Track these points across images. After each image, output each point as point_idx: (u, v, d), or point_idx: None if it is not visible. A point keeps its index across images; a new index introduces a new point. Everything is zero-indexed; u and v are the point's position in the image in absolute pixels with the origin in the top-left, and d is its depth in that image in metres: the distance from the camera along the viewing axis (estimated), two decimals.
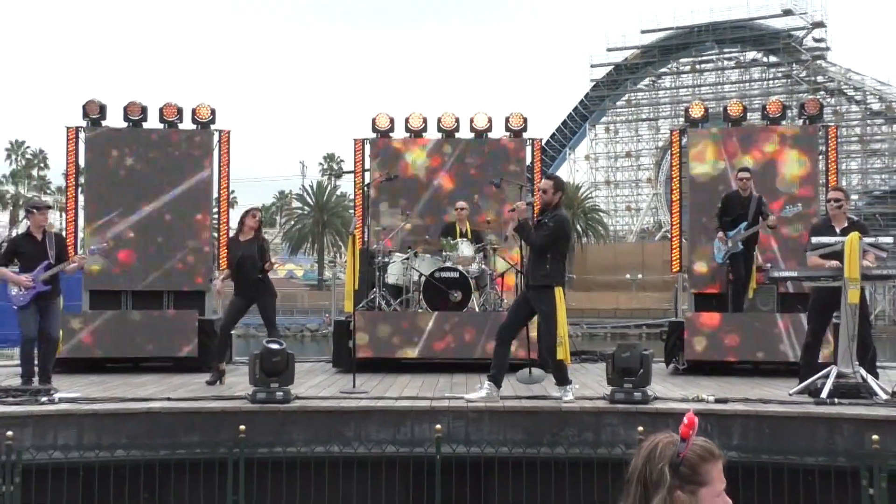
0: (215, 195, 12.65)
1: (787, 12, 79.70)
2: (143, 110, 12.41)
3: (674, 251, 12.62)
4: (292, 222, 79.49)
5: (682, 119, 13.79)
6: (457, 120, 13.14)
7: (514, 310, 9.03)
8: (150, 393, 9.10)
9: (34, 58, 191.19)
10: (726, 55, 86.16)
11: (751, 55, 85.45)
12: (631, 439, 7.64)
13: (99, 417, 8.05)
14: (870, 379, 8.49)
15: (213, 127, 12.52)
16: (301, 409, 8.23)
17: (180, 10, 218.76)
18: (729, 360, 11.07)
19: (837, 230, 8.97)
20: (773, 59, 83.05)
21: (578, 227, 69.44)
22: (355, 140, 13.25)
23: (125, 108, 12.39)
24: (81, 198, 12.54)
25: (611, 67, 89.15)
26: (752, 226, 11.12)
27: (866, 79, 79.27)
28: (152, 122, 12.47)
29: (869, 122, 79.01)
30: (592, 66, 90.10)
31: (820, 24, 79.88)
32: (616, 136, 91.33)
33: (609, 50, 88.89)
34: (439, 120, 13.13)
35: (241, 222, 10.46)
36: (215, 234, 12.73)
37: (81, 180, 12.61)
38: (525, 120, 13.13)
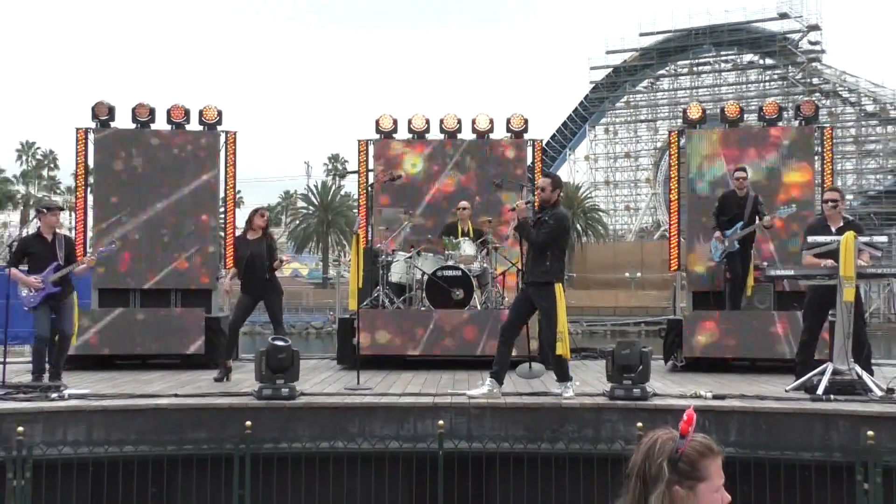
0: (222, 195, 12.66)
1: (783, 16, 79.64)
2: (151, 112, 12.43)
3: (672, 250, 12.62)
4: (297, 222, 79.57)
5: (680, 120, 13.76)
6: (459, 121, 13.14)
7: (514, 308, 9.03)
8: (158, 389, 9.11)
9: (44, 60, 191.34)
10: (723, 58, 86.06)
11: (747, 58, 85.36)
12: (630, 435, 7.63)
13: (108, 413, 8.05)
14: (865, 376, 8.50)
15: (219, 128, 12.54)
16: (306, 406, 8.24)
17: (189, 14, 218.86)
18: (726, 357, 11.08)
19: (833, 229, 8.98)
20: (769, 61, 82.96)
21: (578, 226, 69.45)
22: (359, 141, 13.25)
23: (133, 110, 12.41)
24: (90, 198, 12.54)
25: (610, 70, 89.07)
26: (749, 225, 11.13)
27: (861, 81, 79.20)
28: (160, 124, 12.50)
29: (864, 123, 78.93)
30: (592, 69, 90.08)
31: (815, 28, 79.80)
32: (615, 137, 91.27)
33: (608, 52, 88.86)
34: (442, 121, 13.13)
35: (250, 221, 10.45)
36: (221, 234, 12.73)
37: (91, 181, 12.61)
38: (526, 121, 13.13)
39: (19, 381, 9.15)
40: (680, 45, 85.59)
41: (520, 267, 9.99)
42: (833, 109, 76.25)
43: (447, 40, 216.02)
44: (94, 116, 12.36)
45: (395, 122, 13.09)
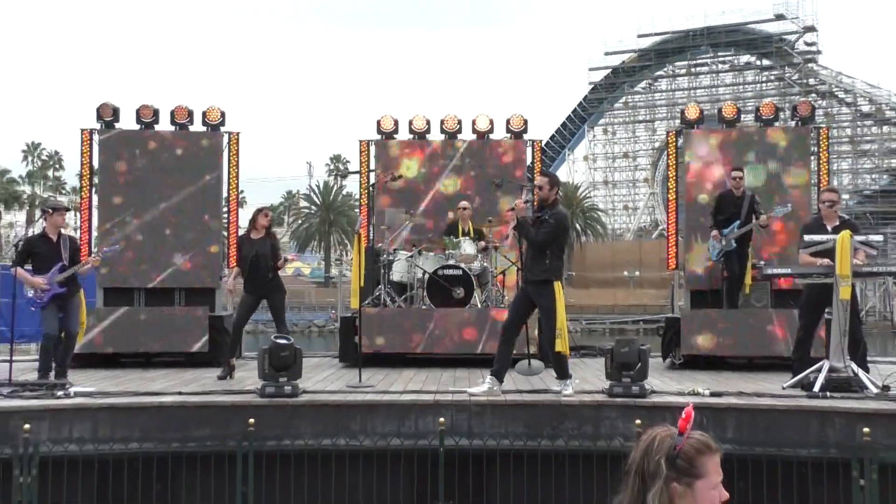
0: (225, 195, 12.66)
1: (780, 17, 79.63)
2: (155, 113, 12.43)
3: (670, 249, 12.62)
4: (300, 221, 79.61)
5: (677, 121, 13.77)
6: (459, 122, 13.14)
7: (514, 306, 9.02)
8: (163, 387, 9.11)
9: (50, 62, 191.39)
10: (721, 58, 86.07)
11: (744, 58, 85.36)
12: (629, 432, 7.63)
13: (113, 411, 8.05)
14: (860, 373, 8.50)
15: (222, 129, 12.54)
16: (309, 403, 8.23)
17: (193, 16, 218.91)
18: (724, 354, 11.07)
19: (829, 228, 8.98)
20: (766, 62, 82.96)
21: (577, 225, 69.48)
22: (360, 141, 13.25)
23: (137, 111, 12.41)
24: (95, 198, 12.55)
25: (608, 71, 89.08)
26: (746, 224, 11.14)
27: (856, 81, 79.21)
28: (164, 125, 12.49)
29: (859, 123, 78.93)
30: (591, 70, 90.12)
31: (811, 29, 79.79)
32: (614, 138, 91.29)
33: (607, 54, 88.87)
34: (442, 122, 13.13)
35: (254, 220, 10.44)
36: (225, 234, 12.73)
37: (95, 181, 12.61)
38: (525, 122, 13.12)
39: (25, 379, 9.15)
40: (678, 47, 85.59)
41: (519, 266, 9.99)
42: (829, 110, 76.28)
43: (448, 42, 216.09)
44: (99, 118, 12.37)
45: (395, 122, 13.09)
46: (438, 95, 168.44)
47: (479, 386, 8.52)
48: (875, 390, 8.26)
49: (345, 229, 71.64)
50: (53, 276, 9.22)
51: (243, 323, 10.65)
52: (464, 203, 12.24)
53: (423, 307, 11.37)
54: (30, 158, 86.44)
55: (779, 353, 10.56)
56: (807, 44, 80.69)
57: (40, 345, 9.57)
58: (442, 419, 7.80)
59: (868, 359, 9.47)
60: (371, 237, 12.92)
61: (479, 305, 11.47)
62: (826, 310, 9.10)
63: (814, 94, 74.72)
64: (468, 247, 11.66)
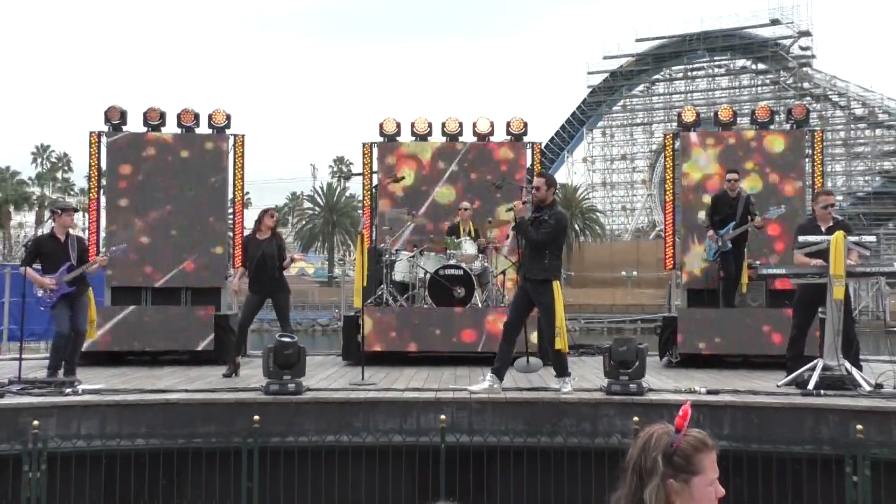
0: (230, 197, 12.66)
1: (775, 22, 79.71)
2: (162, 116, 12.43)
3: (667, 249, 12.61)
4: (304, 222, 79.66)
5: (675, 123, 13.76)
6: (460, 125, 13.13)
7: (514, 305, 9.01)
8: (169, 385, 9.11)
9: (59, 65, 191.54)
10: (717, 63, 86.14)
11: (740, 62, 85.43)
12: (627, 429, 7.63)
13: (120, 408, 8.05)
14: (854, 371, 8.49)
15: (228, 131, 12.53)
16: (312, 401, 8.23)
17: (199, 22, 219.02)
18: (720, 353, 11.06)
19: (823, 229, 8.97)
20: (761, 66, 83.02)
21: (576, 226, 69.51)
22: (363, 144, 13.25)
23: (145, 114, 12.42)
24: (103, 199, 12.55)
25: (607, 74, 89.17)
26: (741, 225, 11.15)
27: (850, 85, 79.26)
28: (170, 127, 12.50)
29: (853, 126, 78.97)
30: (589, 73, 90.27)
31: (806, 33, 79.86)
32: (612, 140, 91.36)
33: (605, 58, 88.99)
34: (443, 125, 13.12)
35: (259, 221, 10.43)
36: (230, 234, 12.74)
37: (103, 183, 12.62)
38: (525, 124, 13.11)
39: (35, 376, 9.15)
40: (675, 51, 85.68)
41: (518, 265, 9.98)
42: (823, 113, 76.32)
43: (449, 49, 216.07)
44: (107, 120, 12.37)
45: (398, 125, 13.08)
46: (440, 99, 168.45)
47: (479, 384, 8.52)
48: (868, 388, 8.25)
49: (348, 230, 71.69)
50: (62, 276, 9.22)
51: (249, 322, 10.64)
52: (464, 204, 12.24)
53: (425, 306, 11.37)
54: (39, 160, 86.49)
55: (773, 351, 10.55)
56: (801, 48, 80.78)
57: (52, 343, 9.57)
58: (443, 416, 7.80)
59: (861, 357, 9.46)
60: (374, 238, 12.93)
61: (480, 305, 11.47)
62: (820, 309, 9.11)
63: (808, 98, 74.78)
64: (469, 247, 11.66)
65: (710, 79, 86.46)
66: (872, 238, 9.13)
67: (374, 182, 13.12)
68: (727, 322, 10.98)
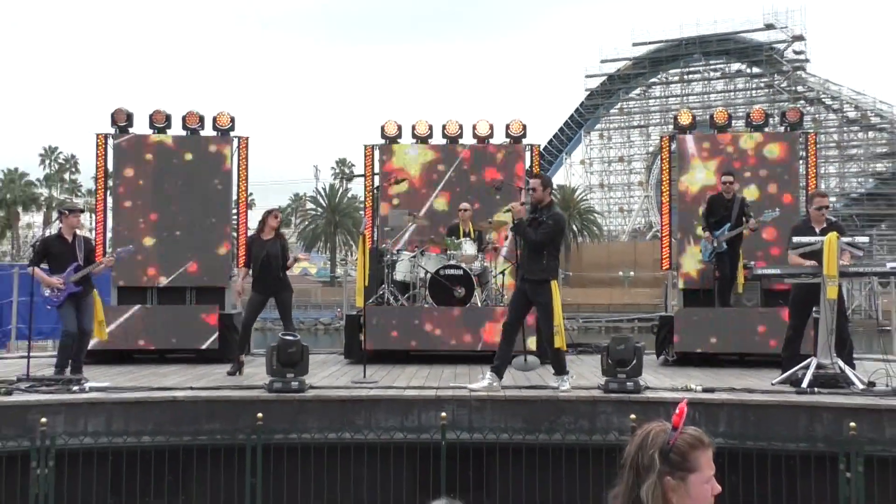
0: (234, 198, 12.65)
1: (769, 26, 79.68)
2: (168, 118, 12.43)
3: (664, 250, 12.61)
4: (306, 223, 79.64)
5: (671, 126, 13.74)
6: (460, 127, 13.12)
7: (513, 305, 9.01)
8: (174, 383, 9.11)
9: (66, 68, 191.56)
10: (712, 66, 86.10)
11: (735, 66, 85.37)
12: (624, 426, 7.63)
13: (126, 405, 8.05)
14: (847, 370, 8.50)
15: (232, 134, 12.52)
16: (315, 398, 8.23)
17: (205, 26, 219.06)
18: (716, 352, 11.06)
19: (817, 230, 8.98)
20: (756, 70, 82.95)
21: (574, 227, 69.47)
22: (365, 146, 13.25)
23: (150, 116, 12.41)
24: (110, 200, 12.54)
25: (604, 78, 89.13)
26: (736, 226, 11.14)
27: (843, 89, 79.22)
28: (176, 129, 12.49)
29: (846, 129, 78.93)
30: (587, 77, 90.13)
31: (800, 38, 79.82)
32: (609, 142, 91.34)
33: (603, 61, 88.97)
34: (444, 127, 13.11)
35: (263, 222, 10.42)
36: (234, 234, 12.73)
37: (110, 184, 12.61)
38: (524, 127, 13.11)
39: (42, 374, 9.15)
40: (671, 55, 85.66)
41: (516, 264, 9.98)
42: (817, 116, 76.28)
43: (450, 52, 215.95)
44: (114, 122, 12.36)
45: (399, 127, 13.07)
46: (440, 101, 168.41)
47: (479, 382, 8.52)
48: (861, 386, 8.25)
49: (350, 230, 71.65)
50: (69, 276, 9.22)
51: (252, 321, 10.64)
52: (464, 205, 12.23)
53: (426, 306, 11.37)
54: (47, 162, 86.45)
55: (768, 350, 10.55)
56: (795, 52, 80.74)
57: (59, 342, 9.57)
58: (443, 414, 7.80)
59: (854, 356, 9.47)
60: (375, 238, 12.93)
61: (480, 304, 11.47)
62: (814, 309, 9.10)
63: (802, 101, 74.69)
64: (469, 247, 11.66)
65: (706, 82, 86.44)
66: (865, 239, 9.10)
67: (376, 183, 13.12)
68: (723, 321, 10.98)
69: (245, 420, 7.85)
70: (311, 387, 8.49)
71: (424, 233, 12.56)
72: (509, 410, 8.10)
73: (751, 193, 11.78)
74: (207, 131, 12.50)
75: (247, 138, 12.61)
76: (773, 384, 8.69)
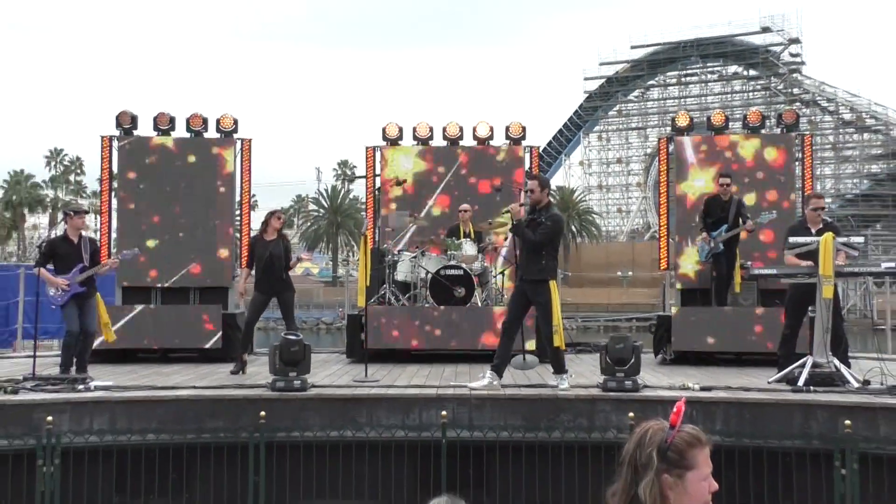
0: (237, 199, 12.65)
1: (766, 29, 79.70)
2: (172, 120, 12.43)
3: (662, 250, 12.60)
4: (308, 223, 79.60)
5: (669, 128, 13.74)
6: (461, 129, 13.13)
7: (512, 304, 9.00)
8: (178, 381, 9.10)
9: (72, 72, 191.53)
10: (710, 69, 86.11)
11: (732, 69, 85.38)
12: (622, 424, 7.63)
13: (131, 404, 8.05)
14: (842, 368, 8.49)
15: (235, 136, 12.53)
16: (317, 397, 8.23)
17: (212, 28, 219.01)
18: (713, 350, 11.05)
19: (813, 231, 8.98)
20: (752, 72, 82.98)
21: (573, 227, 69.44)
22: (367, 147, 13.26)
23: (155, 119, 12.41)
24: (115, 202, 12.54)
25: (603, 80, 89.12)
26: (733, 227, 11.14)
27: (838, 91, 79.20)
28: (180, 132, 12.49)
29: (841, 130, 78.92)
30: (586, 79, 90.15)
31: (796, 41, 79.84)
32: (608, 144, 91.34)
33: (601, 64, 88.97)
34: (444, 129, 13.11)
35: (266, 223, 10.42)
36: (237, 236, 12.73)
37: (115, 185, 12.61)
38: (524, 129, 13.11)
39: (48, 373, 9.15)
40: (669, 57, 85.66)
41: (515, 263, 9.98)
42: (812, 118, 76.25)
43: (450, 56, 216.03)
44: (118, 125, 12.36)
45: (400, 129, 13.08)
46: (441, 104, 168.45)
47: (479, 380, 8.51)
48: (856, 385, 8.25)
49: (351, 231, 71.64)
50: (74, 276, 9.22)
51: (255, 320, 10.64)
52: (464, 206, 12.23)
53: (426, 305, 11.36)
54: (52, 164, 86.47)
55: (765, 348, 10.54)
56: (791, 55, 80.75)
57: (63, 341, 9.57)
58: (444, 412, 7.79)
59: (849, 354, 9.45)
60: (376, 239, 12.93)
61: (480, 304, 11.47)
62: (810, 308, 9.10)
63: (798, 103, 74.72)
64: (469, 248, 11.66)
65: (703, 84, 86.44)
66: (860, 239, 9.12)
67: (377, 185, 13.13)
68: (720, 321, 10.97)
69: (248, 418, 7.85)
70: (314, 385, 8.49)
71: (425, 233, 12.57)
72: (509, 409, 8.10)
73: (749, 199, 11.76)
74: (211, 133, 12.51)
75: (250, 140, 12.62)
76: (769, 383, 8.69)
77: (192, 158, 12.33)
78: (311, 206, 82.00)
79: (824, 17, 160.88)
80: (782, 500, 7.49)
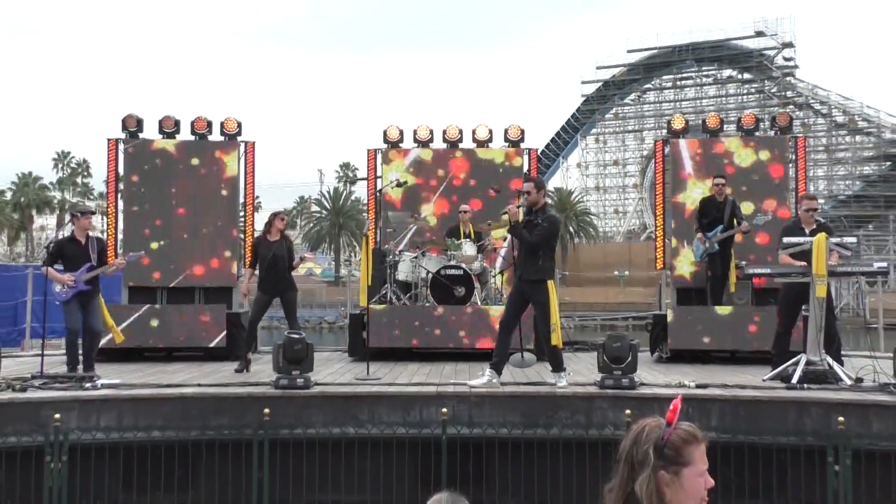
0: (241, 200, 12.65)
1: (760, 34, 79.63)
2: (177, 123, 12.43)
3: (658, 250, 12.60)
4: (311, 224, 79.60)
5: (664, 130, 13.74)
6: (460, 131, 13.13)
7: (510, 303, 9.00)
8: (183, 379, 9.10)
9: (79, 75, 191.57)
10: (705, 72, 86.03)
11: (727, 72, 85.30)
12: (619, 421, 7.63)
13: (137, 402, 8.05)
14: (835, 366, 8.49)
15: (239, 139, 12.52)
16: (320, 394, 8.23)
17: (216, 32, 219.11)
18: (708, 349, 11.05)
19: (807, 231, 8.99)
20: (747, 76, 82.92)
21: (571, 228, 69.44)
22: (368, 150, 13.26)
23: (160, 122, 12.41)
24: (121, 203, 12.54)
25: (600, 84, 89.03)
26: (728, 228, 11.15)
27: (831, 94, 79.16)
28: (185, 135, 12.49)
29: (834, 133, 78.86)
30: (583, 83, 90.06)
31: (789, 45, 79.79)
32: (605, 146, 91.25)
33: (598, 68, 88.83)
34: (444, 131, 13.12)
35: (270, 223, 10.42)
36: (241, 236, 12.73)
37: (121, 187, 12.61)
38: (522, 131, 13.11)
39: (56, 371, 9.15)
40: (664, 61, 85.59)
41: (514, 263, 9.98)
42: (806, 120, 76.18)
43: (451, 61, 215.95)
44: (124, 128, 12.36)
45: (401, 132, 13.09)
46: (441, 107, 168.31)
47: (478, 378, 8.51)
48: (849, 382, 8.25)
49: (353, 232, 71.66)
50: (81, 275, 9.22)
51: (258, 319, 10.65)
52: (464, 207, 12.24)
53: (427, 305, 11.36)
54: (60, 166, 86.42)
55: (759, 347, 10.53)
56: (785, 59, 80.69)
57: (65, 340, 9.57)
58: (444, 409, 7.80)
59: (842, 352, 9.46)
60: (378, 239, 12.93)
61: (479, 303, 11.47)
62: (803, 307, 9.10)
63: (791, 106, 74.69)
64: (468, 248, 11.66)
65: (698, 88, 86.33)
66: (853, 239, 9.12)
67: (379, 186, 13.13)
68: (715, 320, 10.97)
69: (252, 415, 7.85)
70: (316, 383, 8.49)
71: (425, 234, 12.57)
72: (508, 406, 8.10)
73: (747, 208, 11.73)
74: (215, 136, 12.51)
75: (253, 143, 12.62)
76: (763, 380, 8.69)
77: (195, 161, 12.33)
78: (314, 208, 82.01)
79: (817, 22, 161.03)
80: (777, 496, 7.49)
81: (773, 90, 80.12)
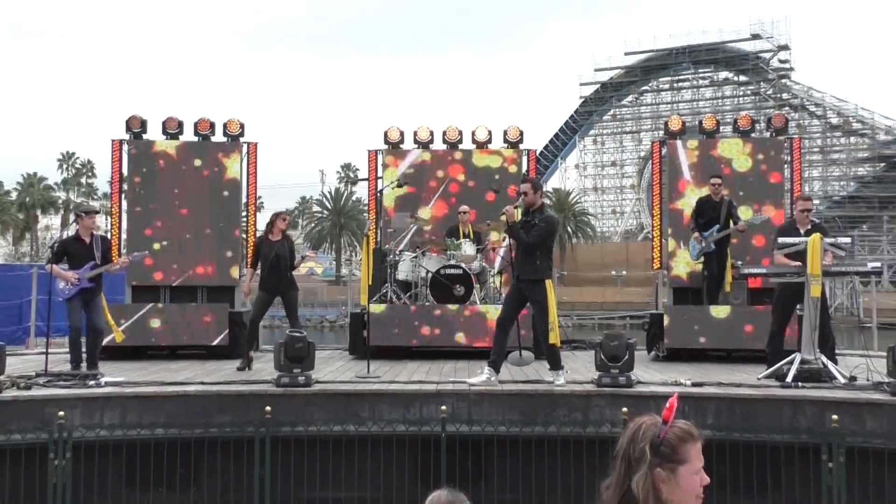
0: (244, 201, 12.65)
1: (756, 36, 79.63)
2: (180, 125, 12.43)
3: (655, 250, 12.61)
4: (313, 224, 79.64)
5: (661, 132, 13.73)
6: (460, 133, 13.13)
7: (508, 302, 8.99)
8: (186, 377, 9.11)
9: (83, 76, 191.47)
10: (701, 75, 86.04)
11: (723, 75, 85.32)
12: (616, 419, 7.63)
13: (140, 399, 8.05)
14: (830, 365, 8.50)
15: (242, 140, 12.52)
16: (321, 392, 8.23)
17: (219, 34, 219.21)
18: (704, 348, 11.05)
19: (801, 231, 8.98)
20: (742, 78, 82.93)
21: (569, 228, 69.41)
22: (369, 151, 13.26)
23: (163, 123, 12.41)
24: (125, 203, 12.54)
25: (598, 86, 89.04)
26: (724, 227, 11.15)
27: (826, 96, 79.17)
28: (188, 135, 12.49)
29: (829, 134, 78.89)
30: (581, 85, 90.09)
31: (785, 47, 79.80)
32: (603, 147, 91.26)
33: (596, 70, 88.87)
34: (444, 133, 13.12)
35: (272, 223, 10.42)
36: (244, 236, 12.73)
37: (125, 188, 12.61)
38: (521, 133, 13.11)
39: (60, 369, 9.15)
40: (661, 64, 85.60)
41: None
42: (801, 122, 76.21)
43: (451, 63, 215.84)
44: (128, 129, 12.36)
45: (401, 133, 13.09)
46: (441, 108, 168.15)
47: (477, 376, 8.51)
48: (843, 380, 8.26)
49: (354, 232, 71.67)
50: (85, 272, 9.22)
51: (259, 318, 10.65)
52: (464, 207, 12.24)
53: (427, 304, 11.37)
54: (64, 166, 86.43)
55: (754, 346, 10.53)
56: (780, 61, 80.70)
57: (68, 338, 9.57)
58: (444, 407, 7.80)
59: (836, 351, 9.46)
60: (378, 239, 12.93)
61: (479, 302, 11.47)
62: (798, 306, 9.10)
63: (787, 108, 74.66)
64: (468, 248, 11.67)
65: (695, 90, 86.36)
66: (847, 240, 9.10)
67: (379, 187, 13.13)
68: (711, 319, 10.97)
69: (254, 413, 7.85)
70: (318, 381, 8.49)
71: (424, 234, 12.57)
72: (507, 404, 8.10)
73: (745, 213, 11.72)
74: (218, 137, 12.51)
75: (256, 144, 12.62)
76: (758, 379, 8.69)
77: (198, 162, 12.33)
78: (316, 208, 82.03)
79: (813, 25, 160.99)
80: (771, 493, 7.50)
81: (768, 92, 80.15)
